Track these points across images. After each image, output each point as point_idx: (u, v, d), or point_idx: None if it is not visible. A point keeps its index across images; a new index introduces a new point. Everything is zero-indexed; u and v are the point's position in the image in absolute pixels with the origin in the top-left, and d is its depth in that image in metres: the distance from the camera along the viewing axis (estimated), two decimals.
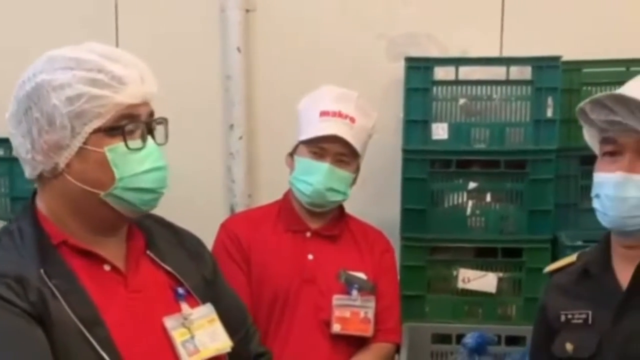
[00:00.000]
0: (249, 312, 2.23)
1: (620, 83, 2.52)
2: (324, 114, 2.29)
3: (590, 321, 1.61)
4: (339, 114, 2.28)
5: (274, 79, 2.90)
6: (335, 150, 2.28)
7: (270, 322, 2.30)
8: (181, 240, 1.66)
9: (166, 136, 1.51)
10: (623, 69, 2.60)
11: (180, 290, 1.55)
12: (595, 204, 1.59)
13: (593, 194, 1.60)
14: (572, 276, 1.70)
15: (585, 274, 1.67)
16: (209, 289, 1.62)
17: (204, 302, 1.57)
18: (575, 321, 1.63)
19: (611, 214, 1.55)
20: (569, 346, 1.64)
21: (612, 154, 1.56)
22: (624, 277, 1.59)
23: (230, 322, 1.61)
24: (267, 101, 2.91)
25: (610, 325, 1.57)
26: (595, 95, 1.54)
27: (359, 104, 2.33)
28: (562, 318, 1.66)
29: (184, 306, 1.54)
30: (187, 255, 1.64)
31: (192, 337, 1.51)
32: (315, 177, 2.28)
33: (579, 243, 2.47)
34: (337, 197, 2.33)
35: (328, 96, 2.33)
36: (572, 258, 1.74)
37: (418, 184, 2.62)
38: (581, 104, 1.57)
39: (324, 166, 2.28)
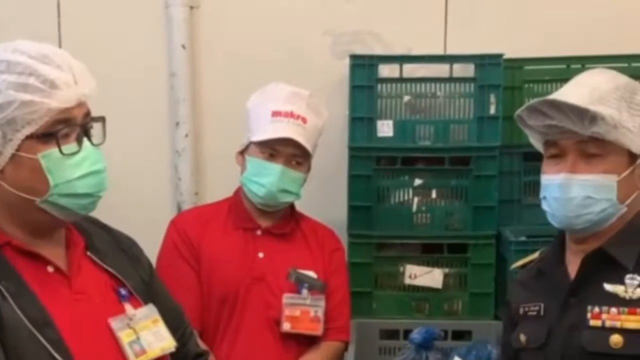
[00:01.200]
0: (199, 310, 2.26)
1: (561, 80, 2.60)
2: (275, 114, 2.28)
3: (542, 313, 1.67)
4: (291, 115, 2.27)
5: (219, 76, 2.88)
6: (288, 151, 2.27)
7: (220, 320, 2.29)
8: (117, 241, 1.65)
9: (104, 135, 1.49)
10: (563, 66, 2.65)
11: (123, 291, 1.54)
12: (544, 205, 1.64)
13: (541, 195, 1.65)
14: (531, 272, 1.76)
15: (541, 269, 1.73)
16: (147, 290, 1.61)
17: (145, 302, 1.57)
18: (530, 313, 1.69)
19: (559, 215, 1.60)
20: (522, 337, 1.70)
21: (555, 156, 1.62)
22: (573, 270, 1.64)
23: (168, 322, 1.60)
24: (213, 98, 2.89)
25: (557, 316, 1.62)
26: (530, 102, 1.60)
27: (310, 103, 2.32)
28: (521, 311, 1.72)
29: (128, 307, 1.53)
30: (124, 257, 1.63)
31: (138, 338, 1.51)
32: (268, 179, 2.27)
33: (523, 238, 2.52)
34: (289, 198, 2.33)
35: (279, 95, 2.32)
36: (535, 255, 1.81)
37: (364, 181, 2.64)
38: (518, 111, 1.62)
39: (277, 168, 2.27)
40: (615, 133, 1.54)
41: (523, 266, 1.84)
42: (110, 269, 1.55)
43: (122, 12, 2.86)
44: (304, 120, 2.28)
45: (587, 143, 1.56)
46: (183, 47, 2.82)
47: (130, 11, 2.86)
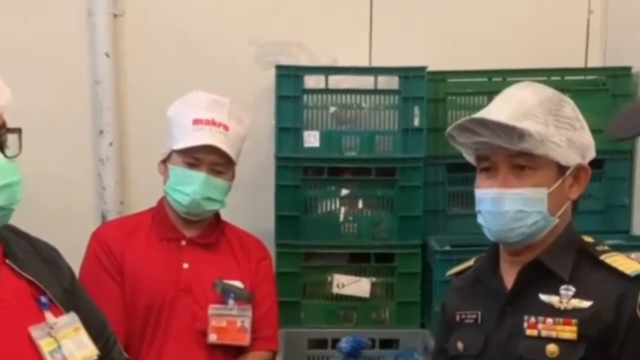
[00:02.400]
0: (123, 322, 2.22)
1: (483, 93, 2.69)
2: (197, 122, 2.26)
3: (479, 321, 1.69)
4: (213, 122, 2.26)
5: (144, 85, 2.85)
6: (211, 159, 2.25)
7: (145, 332, 2.25)
8: (37, 249, 1.62)
9: (20, 147, 1.46)
10: (485, 79, 2.72)
11: (43, 299, 1.52)
12: (479, 219, 1.66)
13: (476, 209, 1.66)
14: (467, 279, 1.78)
15: (477, 277, 1.75)
16: (69, 298, 1.58)
17: (66, 311, 1.54)
18: (467, 321, 1.71)
19: (493, 229, 1.63)
20: (460, 344, 1.72)
21: (487, 169, 1.64)
22: (509, 280, 1.66)
23: (91, 331, 1.58)
24: (138, 107, 2.86)
25: (494, 325, 1.64)
26: (458, 121, 1.62)
27: (231, 111, 2.31)
28: (457, 318, 1.74)
29: (49, 315, 1.51)
30: (44, 264, 1.60)
31: (59, 347, 1.49)
32: (191, 187, 2.25)
33: (447, 248, 2.56)
34: (214, 206, 2.32)
35: (200, 103, 2.29)
36: (470, 262, 1.82)
37: (291, 191, 2.65)
38: (448, 129, 1.64)
39: (200, 176, 2.25)
40: (543, 148, 1.56)
41: (459, 273, 1.85)
42: (29, 277, 1.52)
43: (45, 20, 2.81)
44: (226, 128, 2.27)
45: (517, 157, 1.58)
46: (107, 55, 2.79)
47: (53, 19, 2.82)
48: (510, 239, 1.62)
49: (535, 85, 1.67)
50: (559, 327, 1.55)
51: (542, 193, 1.59)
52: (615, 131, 1.10)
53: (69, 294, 1.60)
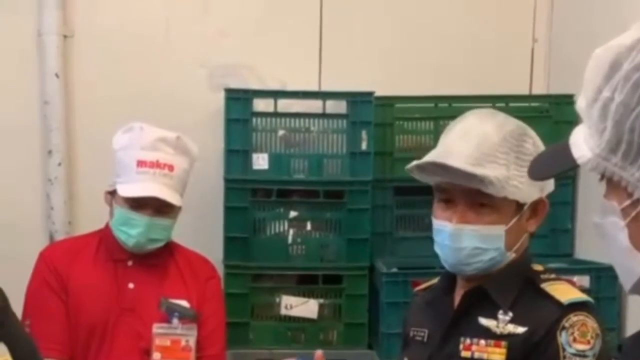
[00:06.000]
0: (68, 342, 2.21)
1: (430, 118, 2.74)
2: (141, 163, 2.24)
3: (425, 339, 1.69)
4: (157, 164, 2.24)
5: (93, 105, 2.85)
6: (155, 204, 2.25)
7: (89, 351, 2.26)
8: None
9: None
10: (432, 105, 2.77)
11: None
12: (436, 247, 1.65)
13: (433, 237, 1.65)
14: (426, 297, 1.78)
15: (433, 297, 1.75)
16: (1, 329, 1.57)
17: None
18: (417, 338, 1.72)
19: (450, 261, 1.62)
20: None
21: (445, 201, 1.62)
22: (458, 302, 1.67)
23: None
24: (87, 127, 2.86)
25: (438, 345, 1.65)
26: (417, 161, 1.59)
27: (178, 146, 2.29)
28: (411, 334, 1.74)
29: None
30: None
31: None
32: (135, 230, 2.25)
33: (395, 270, 2.59)
34: (158, 244, 2.32)
35: (145, 141, 2.26)
36: (435, 280, 1.80)
37: (240, 213, 2.67)
38: (408, 167, 1.62)
39: (143, 220, 2.25)
40: (503, 191, 1.55)
41: (424, 290, 1.83)
42: None
43: None
44: (171, 169, 2.26)
45: (477, 195, 1.57)
46: (56, 75, 2.79)
47: (3, 38, 2.81)
48: (467, 272, 1.63)
49: (497, 117, 1.64)
50: (489, 349, 1.56)
51: (500, 230, 1.58)
52: (537, 172, 1.13)
53: (0, 324, 1.57)
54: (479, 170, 1.53)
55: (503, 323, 1.58)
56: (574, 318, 1.52)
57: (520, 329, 1.56)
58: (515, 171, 1.56)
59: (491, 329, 1.58)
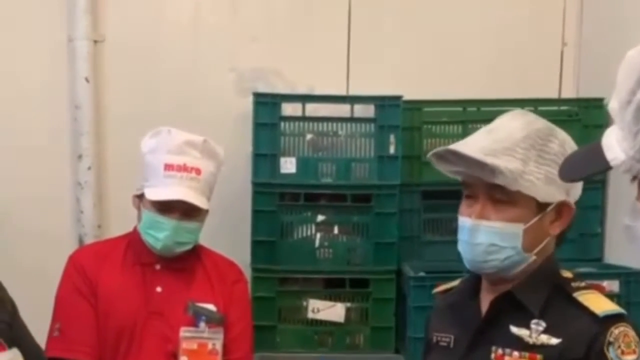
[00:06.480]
0: (96, 345, 2.22)
1: (457, 122, 2.74)
2: (168, 167, 2.25)
3: (451, 345, 1.67)
4: (184, 168, 2.25)
5: (123, 110, 2.88)
6: (182, 207, 2.26)
7: (117, 354, 2.27)
8: None
9: None
10: (460, 108, 2.77)
11: None
12: (459, 246, 1.64)
13: (458, 236, 1.64)
14: (449, 300, 1.76)
15: (456, 300, 1.73)
16: (10, 332, 1.58)
17: (9, 345, 1.54)
18: (441, 343, 1.69)
19: (467, 258, 1.61)
20: None
21: (469, 197, 1.62)
22: (486, 307, 1.64)
23: None
24: (117, 131, 2.89)
25: (465, 351, 1.63)
26: (436, 149, 1.60)
27: (204, 149, 2.29)
28: (434, 339, 1.72)
29: None
30: None
31: None
32: (162, 233, 2.26)
33: (422, 274, 2.58)
34: (186, 247, 2.32)
35: (172, 145, 2.27)
36: (455, 282, 1.79)
37: (267, 216, 2.67)
38: (428, 155, 1.63)
39: (171, 223, 2.26)
40: (516, 184, 1.53)
41: (443, 292, 1.81)
42: None
43: (25, 45, 2.85)
44: (198, 172, 2.26)
45: (494, 190, 1.56)
46: (86, 80, 2.82)
47: (33, 44, 2.85)
48: (484, 270, 1.61)
49: (527, 117, 1.63)
50: None
51: (517, 228, 1.56)
52: (567, 173, 1.11)
53: (10, 328, 1.58)
54: (489, 159, 1.52)
55: (536, 333, 1.54)
56: (616, 331, 1.50)
57: (554, 340, 1.53)
58: (533, 167, 1.55)
59: (524, 339, 1.55)
